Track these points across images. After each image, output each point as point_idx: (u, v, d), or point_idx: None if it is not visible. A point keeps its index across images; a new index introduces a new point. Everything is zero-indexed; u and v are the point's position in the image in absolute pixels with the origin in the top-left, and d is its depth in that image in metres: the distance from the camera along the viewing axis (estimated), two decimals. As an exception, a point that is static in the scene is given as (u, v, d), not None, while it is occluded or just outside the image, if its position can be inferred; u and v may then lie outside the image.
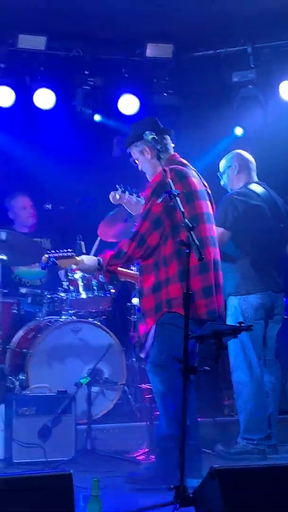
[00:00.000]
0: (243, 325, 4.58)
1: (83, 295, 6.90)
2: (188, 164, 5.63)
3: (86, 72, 8.07)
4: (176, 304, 5.24)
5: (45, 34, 7.50)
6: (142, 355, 5.61)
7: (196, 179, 5.56)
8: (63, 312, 6.98)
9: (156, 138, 5.38)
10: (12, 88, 7.82)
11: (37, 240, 7.81)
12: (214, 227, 5.59)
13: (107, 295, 7.11)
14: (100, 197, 7.04)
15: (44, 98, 7.94)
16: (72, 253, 5.80)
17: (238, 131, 8.54)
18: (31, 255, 7.23)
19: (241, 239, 6.20)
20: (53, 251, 5.82)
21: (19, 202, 8.09)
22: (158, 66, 8.09)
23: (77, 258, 5.78)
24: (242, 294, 6.23)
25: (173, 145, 5.69)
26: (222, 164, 6.59)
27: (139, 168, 5.72)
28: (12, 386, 6.56)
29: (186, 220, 4.65)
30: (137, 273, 5.70)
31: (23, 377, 6.61)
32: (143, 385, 6.57)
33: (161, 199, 5.30)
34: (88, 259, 5.79)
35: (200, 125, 8.29)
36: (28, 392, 6.33)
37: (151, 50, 7.79)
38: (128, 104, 8.14)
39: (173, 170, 5.35)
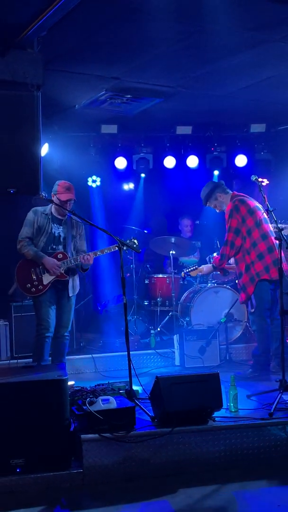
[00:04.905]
0: None
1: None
2: (245, 195, 5.54)
3: (215, 144, 8.02)
4: (262, 274, 5.25)
5: (191, 125, 7.56)
6: (251, 310, 5.37)
7: (252, 200, 5.50)
8: (208, 281, 6.92)
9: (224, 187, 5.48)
10: (175, 157, 7.92)
11: (194, 242, 7.51)
12: (270, 225, 5.46)
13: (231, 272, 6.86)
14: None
15: (192, 162, 7.93)
16: (196, 266, 5.90)
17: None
18: (189, 250, 7.33)
19: None
20: (186, 269, 5.96)
21: (183, 222, 8.04)
22: (257, 137, 7.96)
23: (199, 268, 5.89)
24: None
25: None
26: None
27: (217, 211, 5.64)
28: (182, 324, 6.74)
29: (279, 225, 4.53)
30: (234, 265, 5.71)
31: (188, 319, 6.67)
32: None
33: (234, 218, 5.33)
34: (206, 266, 5.86)
35: (285, 171, 7.90)
36: (191, 327, 6.42)
37: (253, 128, 7.66)
38: (241, 160, 8.07)
39: (236, 200, 5.44)
